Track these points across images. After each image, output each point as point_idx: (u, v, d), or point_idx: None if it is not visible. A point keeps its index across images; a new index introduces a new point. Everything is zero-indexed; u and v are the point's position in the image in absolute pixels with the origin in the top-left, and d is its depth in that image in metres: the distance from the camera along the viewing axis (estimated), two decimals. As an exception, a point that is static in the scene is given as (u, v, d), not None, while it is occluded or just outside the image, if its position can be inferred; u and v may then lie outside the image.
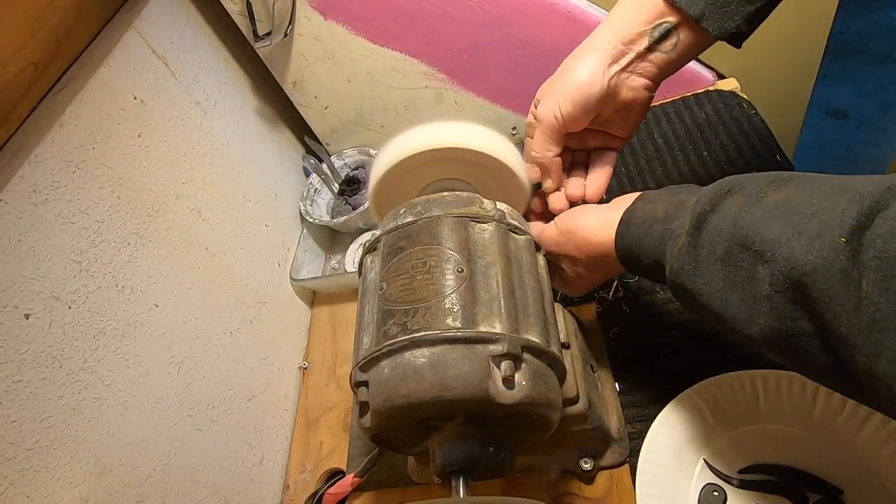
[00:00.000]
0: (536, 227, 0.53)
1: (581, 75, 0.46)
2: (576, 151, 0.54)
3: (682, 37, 0.45)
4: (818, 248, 0.29)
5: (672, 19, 0.44)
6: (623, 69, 0.46)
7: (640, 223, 0.43)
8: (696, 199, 0.39)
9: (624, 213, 0.44)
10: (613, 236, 0.45)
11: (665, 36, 0.45)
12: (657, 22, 0.44)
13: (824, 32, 0.89)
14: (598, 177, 0.53)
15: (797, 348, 0.32)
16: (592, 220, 0.48)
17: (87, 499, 0.45)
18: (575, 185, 0.52)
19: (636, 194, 0.46)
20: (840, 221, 0.28)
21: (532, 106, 0.51)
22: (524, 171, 0.53)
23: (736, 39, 0.45)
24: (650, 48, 0.45)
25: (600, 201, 0.51)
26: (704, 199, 0.37)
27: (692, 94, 0.83)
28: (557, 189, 0.52)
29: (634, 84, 0.47)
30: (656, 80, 0.47)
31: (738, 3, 0.43)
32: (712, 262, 0.36)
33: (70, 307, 0.47)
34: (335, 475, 0.67)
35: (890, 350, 0.26)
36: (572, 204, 0.52)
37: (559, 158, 0.50)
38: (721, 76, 0.85)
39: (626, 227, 0.44)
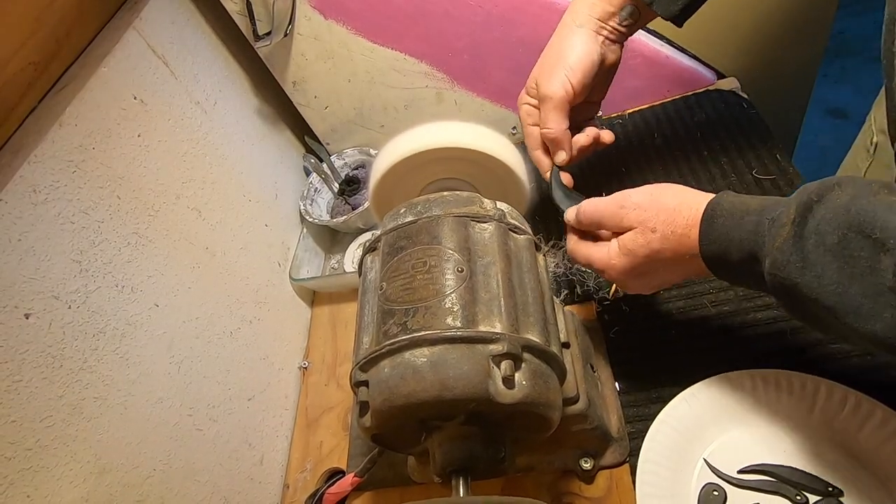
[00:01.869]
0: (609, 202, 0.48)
1: (582, 49, 0.53)
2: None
3: (641, 14, 0.54)
4: None
5: (633, 2, 0.53)
6: (605, 39, 0.54)
7: (730, 214, 0.40)
8: (799, 191, 0.36)
9: (707, 205, 0.42)
10: (698, 223, 0.41)
11: (630, 14, 0.53)
12: (623, 4, 0.53)
13: (824, 32, 0.89)
14: (592, 131, 0.57)
15: None
16: (674, 195, 0.44)
17: (88, 498, 0.45)
18: (585, 135, 0.56)
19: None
20: None
21: (524, 93, 0.56)
22: (524, 171, 0.53)
23: (679, 20, 0.54)
24: (620, 23, 0.54)
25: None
26: (810, 190, 0.35)
27: (692, 94, 0.83)
28: (571, 161, 0.55)
29: (614, 49, 0.55)
30: (623, 42, 0.56)
31: None
32: (822, 252, 0.33)
33: (70, 307, 0.47)
34: (335, 475, 0.67)
35: None
36: (586, 148, 0.56)
37: (569, 131, 0.54)
38: (721, 75, 0.85)
39: (712, 220, 0.41)
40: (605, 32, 0.54)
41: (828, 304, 0.33)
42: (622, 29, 0.54)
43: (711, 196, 0.42)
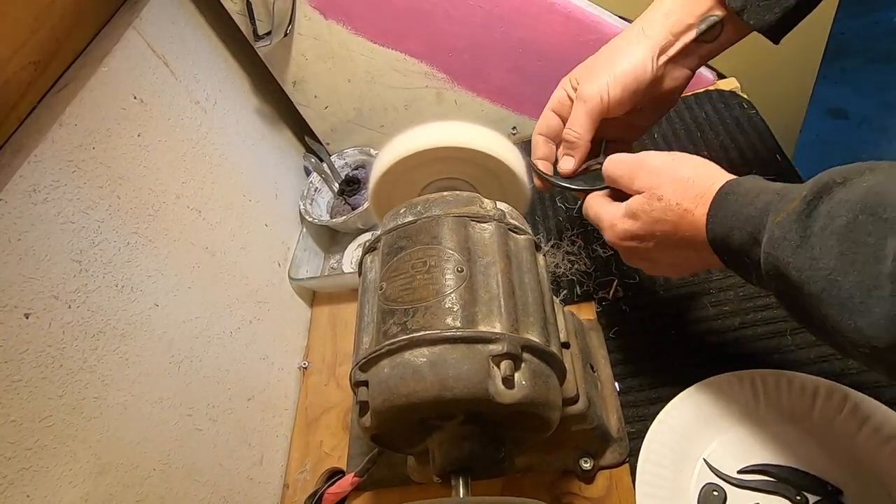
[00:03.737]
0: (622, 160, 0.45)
1: (633, 61, 0.46)
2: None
3: (725, 29, 0.46)
4: None
5: (719, 13, 0.45)
6: (670, 59, 0.47)
7: (745, 192, 0.36)
8: (822, 173, 0.32)
9: (727, 182, 0.38)
10: (710, 200, 0.38)
11: (711, 28, 0.46)
12: (705, 15, 0.46)
13: (824, 32, 0.90)
14: None
15: None
16: (694, 166, 0.41)
17: (87, 498, 0.45)
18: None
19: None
20: None
21: (568, 84, 0.50)
22: (524, 171, 0.53)
23: (774, 32, 0.46)
24: (696, 39, 0.46)
25: None
26: (834, 172, 0.32)
27: (692, 94, 0.83)
28: (576, 169, 0.50)
29: (677, 74, 0.48)
30: (694, 70, 0.49)
31: None
32: (826, 235, 0.29)
33: (70, 307, 0.47)
34: (335, 474, 0.67)
35: None
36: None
37: (589, 143, 0.49)
38: (721, 76, 0.85)
39: (725, 196, 0.37)
40: (672, 51, 0.47)
41: (813, 291, 0.30)
42: (695, 48, 0.47)
43: (735, 177, 0.39)
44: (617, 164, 0.45)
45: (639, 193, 0.43)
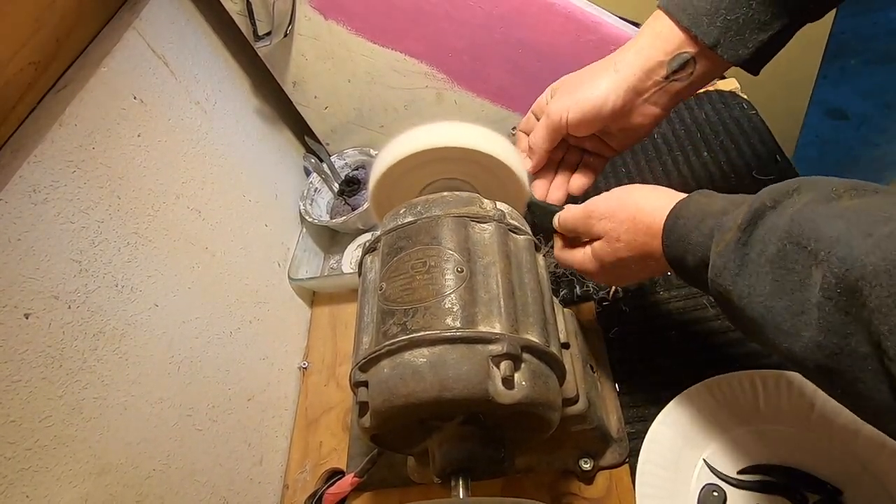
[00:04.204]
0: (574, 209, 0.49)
1: (596, 92, 0.48)
2: (571, 147, 0.56)
3: (699, 65, 0.47)
4: (885, 249, 0.25)
5: (690, 50, 0.46)
6: (639, 96, 0.48)
7: (691, 216, 0.39)
8: (757, 195, 0.35)
9: (675, 205, 0.41)
10: (660, 229, 0.41)
11: (682, 66, 0.46)
12: (676, 52, 0.46)
13: (824, 33, 0.90)
14: (583, 177, 0.55)
15: (845, 372, 0.27)
16: (636, 202, 0.44)
17: (87, 498, 0.45)
18: (558, 186, 0.55)
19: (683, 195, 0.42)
20: None
21: (546, 94, 0.53)
22: (524, 172, 0.53)
23: (751, 65, 0.47)
24: (667, 77, 0.47)
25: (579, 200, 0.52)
26: (765, 195, 0.34)
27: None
28: (534, 171, 0.54)
29: (646, 111, 0.49)
30: (667, 109, 0.50)
31: (751, 32, 0.44)
32: (761, 262, 0.32)
33: (70, 307, 0.47)
34: (335, 475, 0.67)
35: None
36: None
37: (549, 153, 0.53)
38: (721, 76, 0.85)
39: (675, 220, 0.40)
40: (642, 87, 0.47)
41: (753, 316, 0.33)
42: (667, 86, 0.47)
43: (679, 197, 0.42)
44: (569, 219, 0.49)
45: (598, 238, 0.47)
